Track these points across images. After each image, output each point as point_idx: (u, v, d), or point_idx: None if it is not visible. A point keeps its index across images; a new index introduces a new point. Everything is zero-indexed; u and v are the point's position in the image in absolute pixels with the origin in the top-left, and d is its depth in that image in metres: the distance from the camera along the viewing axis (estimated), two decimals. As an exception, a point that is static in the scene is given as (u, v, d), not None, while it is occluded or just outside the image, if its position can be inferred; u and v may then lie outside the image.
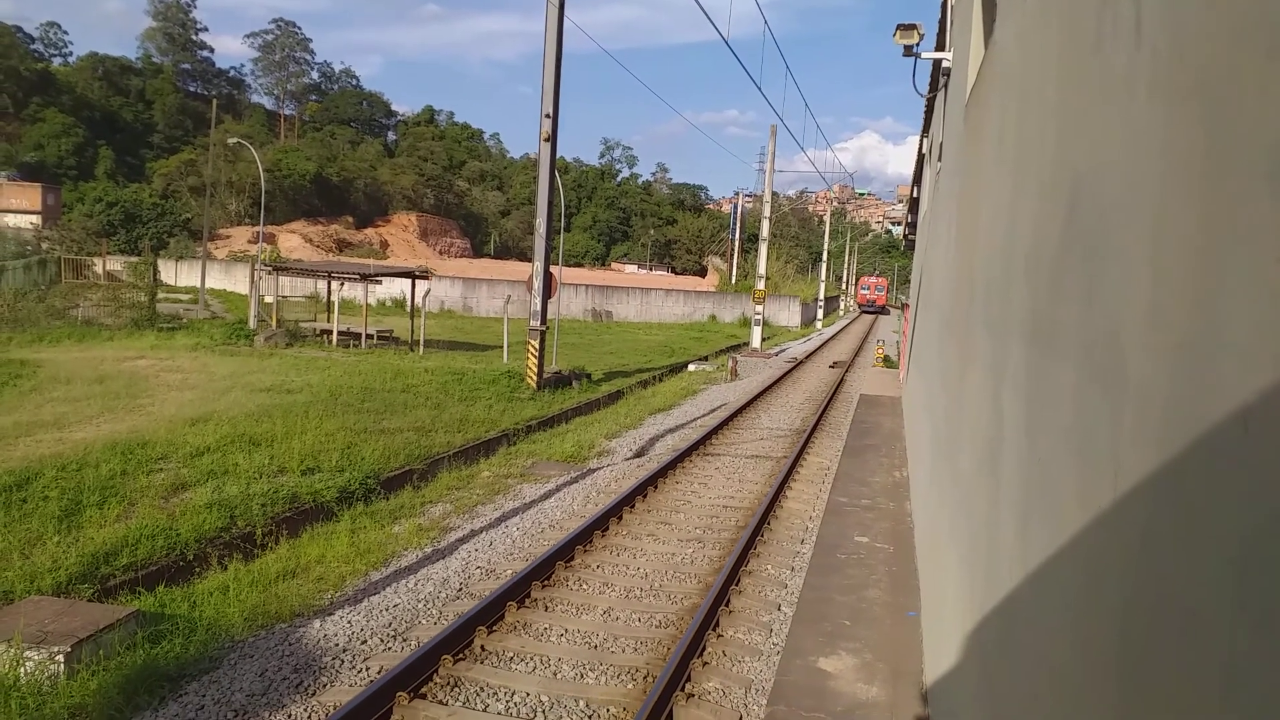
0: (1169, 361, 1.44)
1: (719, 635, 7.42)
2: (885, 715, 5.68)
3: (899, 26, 10.59)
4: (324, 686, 6.38)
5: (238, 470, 11.53)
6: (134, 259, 38.81)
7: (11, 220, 62.51)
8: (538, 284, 20.75)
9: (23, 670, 6.13)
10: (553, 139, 20.12)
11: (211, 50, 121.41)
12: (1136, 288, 1.66)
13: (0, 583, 7.67)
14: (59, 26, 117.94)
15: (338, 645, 7.02)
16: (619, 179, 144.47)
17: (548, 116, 19.93)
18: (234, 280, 54.22)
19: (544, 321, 20.82)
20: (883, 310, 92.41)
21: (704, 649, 7.09)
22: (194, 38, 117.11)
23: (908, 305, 26.40)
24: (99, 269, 43.65)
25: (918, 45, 10.67)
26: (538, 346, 20.66)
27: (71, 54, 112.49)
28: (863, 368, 31.91)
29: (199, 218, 62.53)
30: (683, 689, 6.38)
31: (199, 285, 42.54)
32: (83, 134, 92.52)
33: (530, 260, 21.62)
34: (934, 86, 12.64)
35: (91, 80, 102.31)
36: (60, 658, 6.22)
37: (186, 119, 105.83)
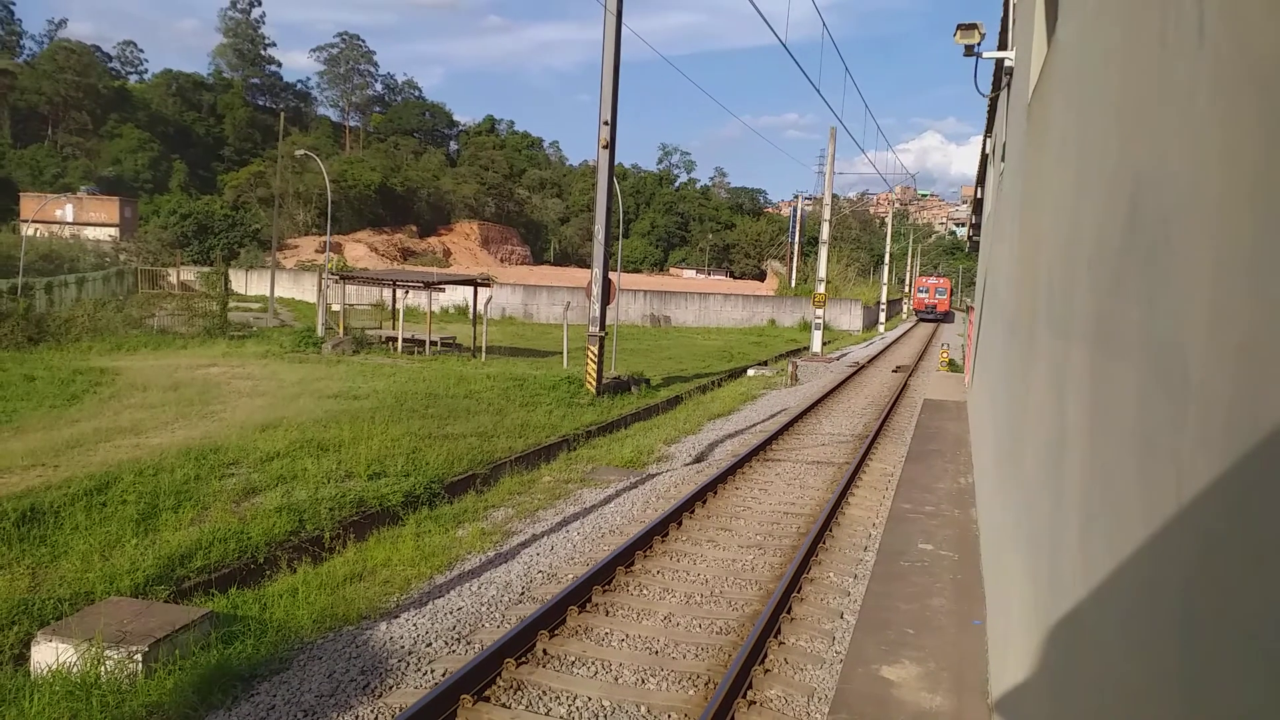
0: (1231, 364, 1.42)
1: (780, 642, 7.38)
2: (949, 725, 5.60)
3: (959, 26, 10.45)
4: (390, 688, 6.50)
5: (306, 475, 11.79)
6: (206, 269, 40.01)
7: (91, 233, 64.81)
8: (596, 290, 20.87)
9: (103, 669, 6.35)
10: (611, 146, 20.23)
11: (279, 65, 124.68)
12: (1198, 289, 1.63)
13: (82, 583, 7.96)
14: (135, 45, 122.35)
15: (403, 648, 7.14)
16: (677, 184, 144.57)
17: (606, 124, 20.05)
18: (302, 289, 55.47)
19: (603, 327, 20.92)
20: (945, 318, 76.98)
21: (766, 656, 7.06)
22: (263, 53, 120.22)
23: (973, 308, 25.95)
24: (173, 279, 45.01)
25: (979, 45, 10.51)
26: (597, 352, 20.76)
27: (147, 71, 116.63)
28: (927, 372, 31.45)
29: (268, 228, 64.16)
30: (744, 696, 6.36)
31: (268, 294, 43.65)
32: (157, 149, 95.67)
33: (589, 266, 21.76)
34: (996, 86, 12.43)
35: (166, 96, 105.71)
36: (138, 657, 6.43)
37: (256, 132, 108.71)
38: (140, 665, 6.41)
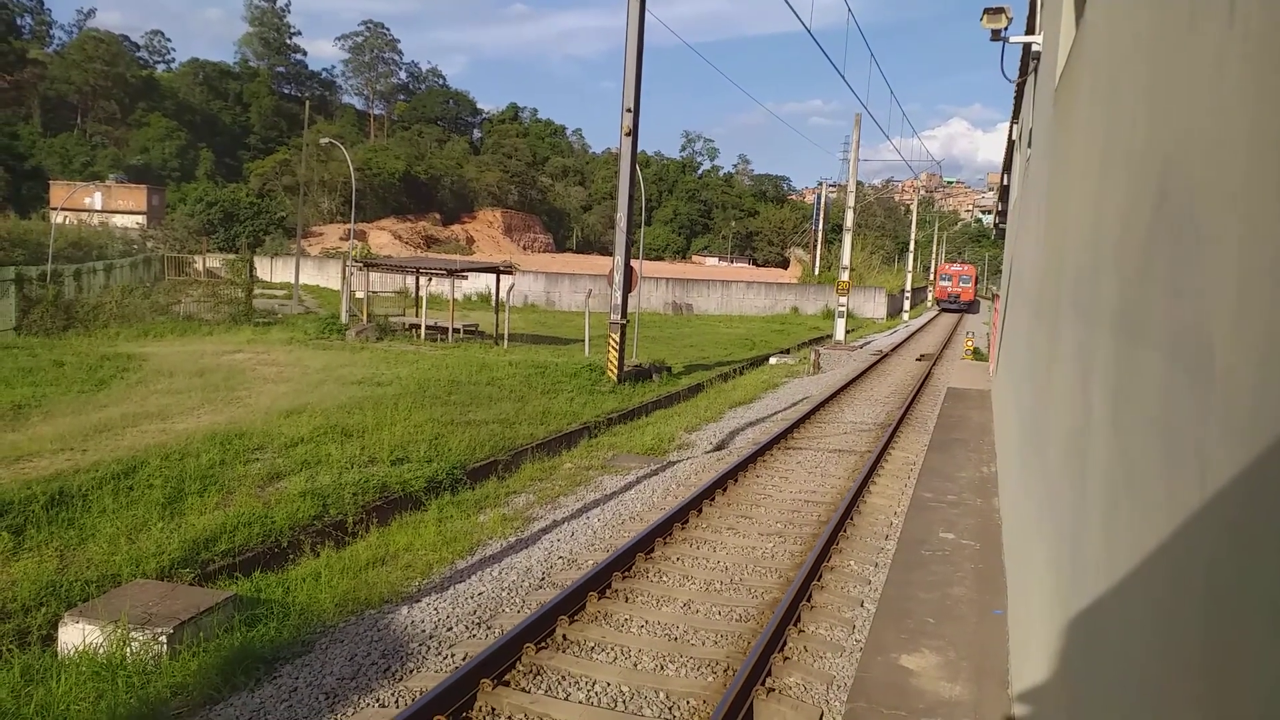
0: (1257, 351, 1.38)
1: (800, 630, 7.37)
2: (969, 715, 5.57)
3: (986, 10, 10.31)
4: (411, 672, 6.54)
5: (330, 460, 11.88)
6: (232, 256, 40.27)
7: (120, 221, 65.48)
8: (618, 278, 20.85)
9: (128, 650, 6.43)
10: (634, 133, 20.18)
11: (305, 53, 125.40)
12: (1225, 275, 1.59)
13: (109, 566, 8.07)
14: (163, 34, 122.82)
15: (424, 632, 7.19)
16: (700, 171, 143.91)
17: (629, 111, 19.99)
18: (326, 276, 55.70)
19: (624, 315, 20.91)
20: (969, 307, 71.13)
21: (785, 644, 7.05)
22: (288, 42, 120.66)
23: (998, 296, 25.72)
24: (199, 266, 45.40)
25: (1006, 29, 10.37)
26: (618, 340, 20.76)
27: (174, 60, 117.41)
28: (951, 360, 31.23)
29: (293, 216, 64.55)
30: (763, 683, 6.35)
31: (293, 281, 43.87)
32: (185, 137, 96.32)
33: (611, 254, 21.74)
34: (1024, 71, 12.27)
35: (193, 85, 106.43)
36: (163, 639, 6.52)
37: (281, 120, 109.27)
38: (165, 647, 6.50)
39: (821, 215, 76.05)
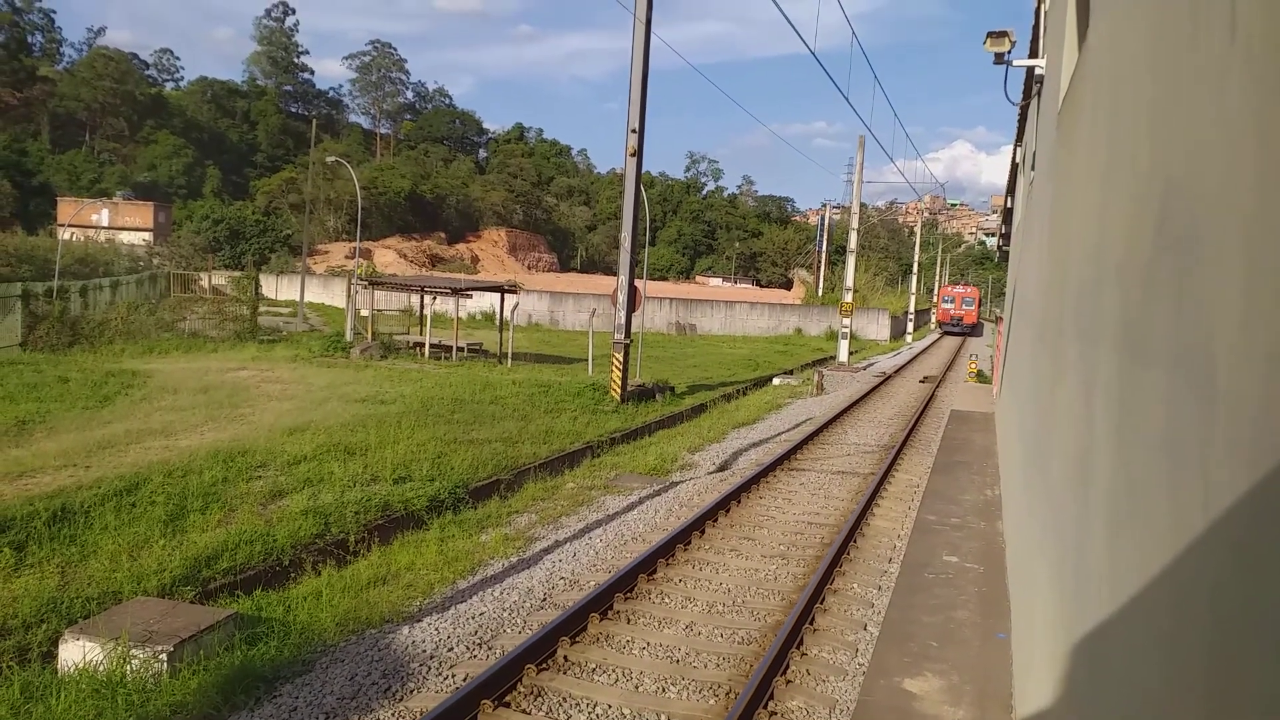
0: (1260, 371, 1.38)
1: (803, 653, 7.32)
2: (973, 739, 5.53)
3: (989, 34, 10.39)
4: (411, 692, 6.51)
5: (333, 478, 11.86)
6: (237, 274, 40.41)
7: (126, 237, 65.76)
8: (622, 298, 20.88)
9: (129, 668, 6.40)
10: (639, 154, 20.25)
11: (312, 72, 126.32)
12: (1228, 294, 1.59)
13: (110, 583, 8.04)
14: (171, 53, 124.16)
15: (425, 652, 7.15)
16: (704, 192, 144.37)
17: (634, 132, 20.08)
18: (331, 294, 55.87)
19: (628, 335, 20.92)
20: (972, 330, 71.00)
21: (787, 667, 7.00)
22: (296, 61, 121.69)
23: (1001, 318, 25.73)
24: (205, 283, 45.51)
25: (1009, 53, 10.44)
26: (622, 359, 20.76)
27: (183, 78, 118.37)
28: (954, 383, 31.18)
29: (299, 234, 64.79)
30: (765, 707, 6.31)
31: (298, 299, 43.97)
32: (192, 155, 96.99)
33: (615, 274, 21.79)
34: (1027, 94, 12.33)
35: (201, 103, 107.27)
36: (164, 656, 6.48)
37: (288, 139, 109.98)
38: (165, 665, 6.47)
39: (825, 236, 76.18)
